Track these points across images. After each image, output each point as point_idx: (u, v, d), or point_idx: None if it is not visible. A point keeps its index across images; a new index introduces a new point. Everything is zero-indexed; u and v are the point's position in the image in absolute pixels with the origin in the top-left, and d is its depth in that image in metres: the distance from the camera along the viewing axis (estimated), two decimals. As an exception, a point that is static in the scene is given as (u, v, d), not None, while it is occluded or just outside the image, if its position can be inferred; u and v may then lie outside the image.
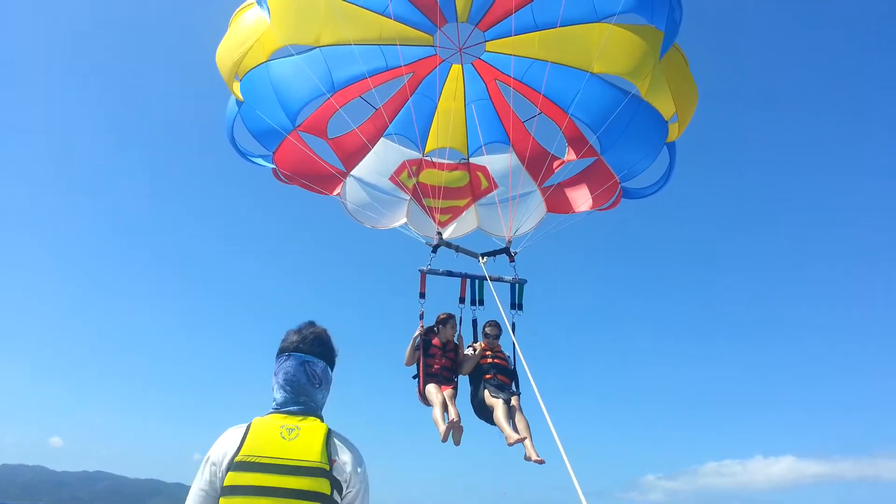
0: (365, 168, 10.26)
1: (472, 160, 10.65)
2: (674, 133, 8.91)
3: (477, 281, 9.89)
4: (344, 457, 3.13)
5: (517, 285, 9.91)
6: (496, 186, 10.55)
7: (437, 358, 9.29)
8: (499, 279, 9.75)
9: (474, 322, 9.93)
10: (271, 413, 3.29)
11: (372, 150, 10.24)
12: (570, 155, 10.00)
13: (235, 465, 2.98)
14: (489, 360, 9.33)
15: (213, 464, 3.06)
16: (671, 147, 9.08)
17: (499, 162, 10.48)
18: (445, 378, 9.19)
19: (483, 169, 10.59)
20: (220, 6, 8.93)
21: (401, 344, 9.43)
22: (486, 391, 8.94)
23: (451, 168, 10.60)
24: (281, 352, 3.46)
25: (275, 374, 3.42)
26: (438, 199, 10.14)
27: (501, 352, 9.54)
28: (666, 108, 8.71)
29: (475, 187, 10.66)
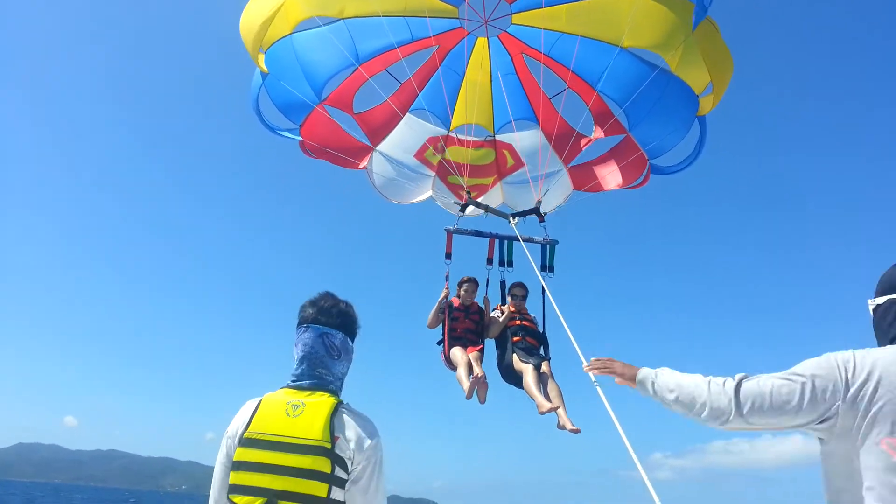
0: (390, 143, 10.19)
1: (498, 137, 10.48)
2: (707, 106, 8.59)
3: (506, 242, 9.62)
4: (349, 433, 3.04)
5: (548, 246, 9.56)
6: (522, 164, 10.38)
7: (460, 321, 9.04)
8: (529, 240, 9.38)
9: (502, 284, 9.62)
10: (283, 388, 3.26)
11: (397, 126, 10.15)
12: (597, 132, 9.75)
13: (243, 441, 3.03)
14: (517, 323, 8.99)
15: (229, 437, 3.14)
16: (702, 121, 8.77)
17: (525, 139, 10.29)
18: (471, 341, 8.94)
19: (509, 146, 10.42)
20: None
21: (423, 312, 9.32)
22: (515, 355, 8.53)
23: (477, 145, 10.45)
24: (300, 323, 3.41)
25: (295, 346, 3.38)
26: (464, 176, 10.02)
27: (528, 314, 9.20)
28: (698, 81, 8.41)
29: (501, 165, 10.50)
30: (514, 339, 8.83)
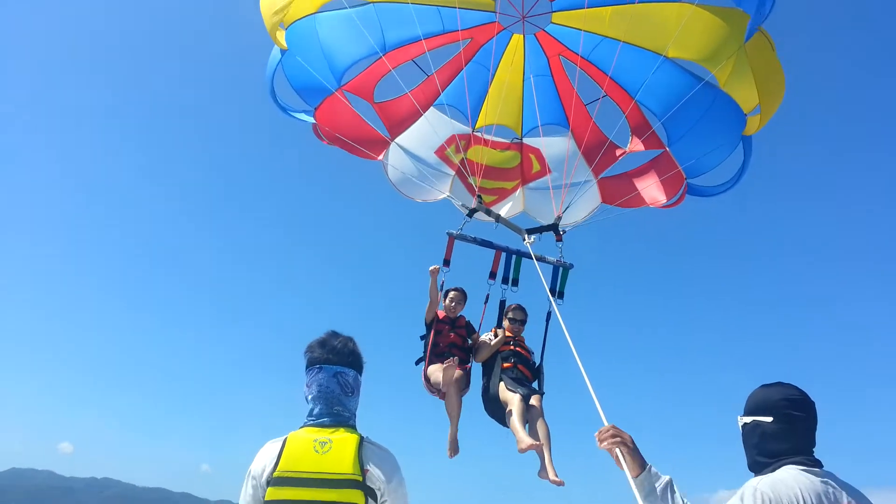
0: (410, 137, 9.62)
1: (525, 141, 9.88)
2: (752, 126, 7.92)
3: (514, 257, 8.63)
4: (377, 466, 3.22)
5: (561, 269, 8.61)
6: (549, 171, 9.76)
7: (444, 334, 8.15)
8: (541, 259, 8.43)
9: (502, 304, 8.57)
10: (304, 426, 3.40)
11: (419, 120, 9.57)
12: (633, 145, 9.12)
13: (274, 481, 3.13)
14: (509, 348, 8.03)
15: (254, 478, 3.23)
16: (747, 141, 8.09)
17: (554, 145, 9.66)
18: (459, 357, 8.04)
19: (536, 151, 9.81)
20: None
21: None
22: (502, 383, 7.57)
23: (503, 147, 9.87)
24: (311, 363, 3.55)
25: (307, 386, 3.52)
26: (477, 177, 9.45)
27: (525, 343, 8.29)
28: (747, 98, 7.75)
29: (526, 170, 9.91)
30: (505, 364, 7.86)
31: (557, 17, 8.60)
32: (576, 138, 9.56)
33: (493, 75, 9.49)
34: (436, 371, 7.71)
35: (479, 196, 8.94)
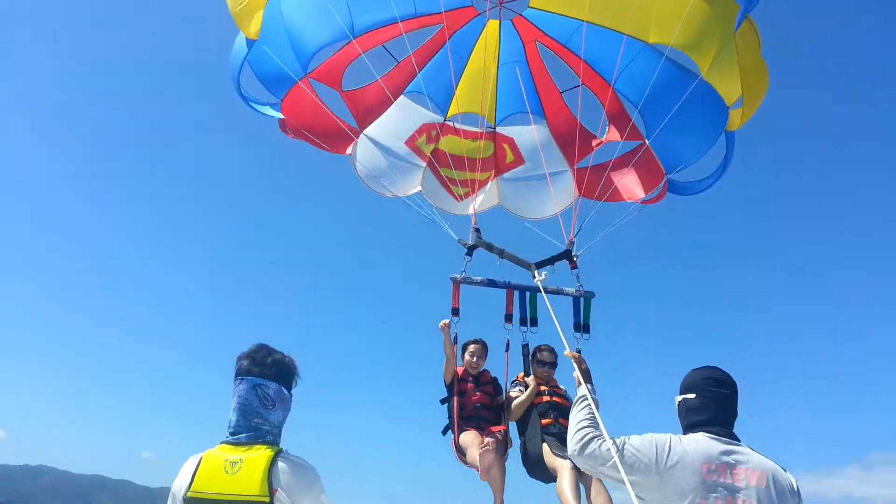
0: (379, 128, 9.17)
1: (498, 130, 9.53)
2: (735, 121, 7.77)
3: (528, 294, 7.88)
4: (287, 484, 3.21)
5: (582, 300, 7.78)
6: (523, 161, 9.47)
7: (469, 394, 7.28)
8: (558, 291, 7.73)
9: (524, 348, 7.77)
10: (221, 443, 3.41)
11: (389, 109, 9.14)
12: (610, 135, 8.90)
13: (187, 501, 3.20)
14: (545, 399, 7.12)
15: (174, 495, 3.29)
16: (730, 137, 7.93)
17: (529, 134, 9.34)
18: (486, 419, 7.22)
19: (510, 141, 9.49)
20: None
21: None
22: (546, 445, 6.69)
23: (475, 136, 9.48)
24: (235, 375, 3.56)
25: (232, 398, 3.52)
26: (458, 169, 9.09)
27: (559, 387, 7.39)
28: (729, 91, 7.56)
29: (499, 160, 9.57)
30: (544, 421, 6.96)
31: (536, 1, 8.24)
32: (551, 127, 9.30)
33: (467, 62, 9.10)
34: (470, 445, 6.77)
35: (477, 230, 8.10)
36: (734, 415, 3.76)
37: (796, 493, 3.50)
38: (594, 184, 8.95)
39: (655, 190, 8.61)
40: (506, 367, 7.69)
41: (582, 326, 7.73)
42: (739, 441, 3.64)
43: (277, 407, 3.52)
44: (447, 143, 9.40)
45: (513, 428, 7.33)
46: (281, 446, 3.42)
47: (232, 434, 3.42)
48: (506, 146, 9.51)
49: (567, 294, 7.82)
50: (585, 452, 3.68)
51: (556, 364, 7.48)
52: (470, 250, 7.95)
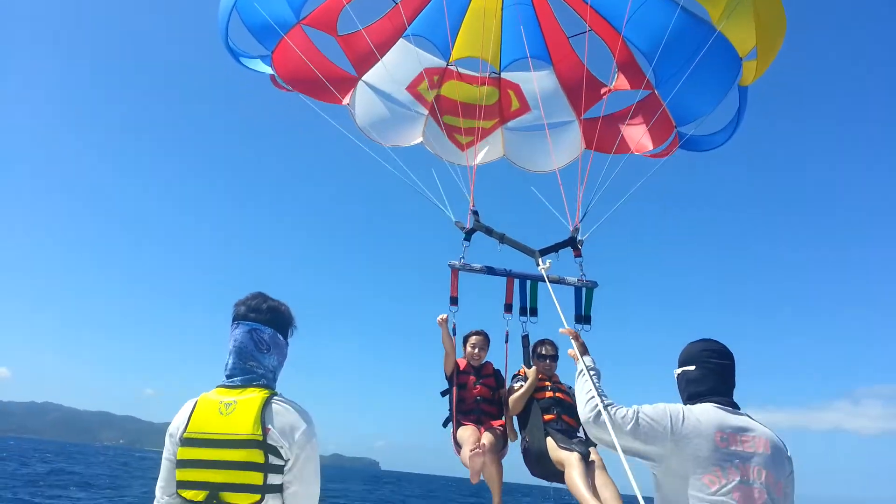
0: (379, 73, 8.80)
1: (504, 75, 9.07)
2: (749, 75, 7.22)
3: (528, 283, 7.51)
4: (280, 424, 3.28)
5: (584, 290, 7.45)
6: (529, 109, 9.05)
7: (469, 387, 7.13)
8: (559, 281, 7.36)
9: (524, 339, 7.46)
10: (217, 387, 3.48)
11: (388, 53, 8.74)
12: (619, 83, 8.39)
13: (183, 441, 3.32)
14: (547, 395, 6.90)
15: (171, 436, 3.42)
16: (743, 92, 7.38)
17: (534, 81, 8.86)
18: (487, 413, 7.07)
19: (515, 87, 9.05)
20: None
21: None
22: (550, 439, 6.48)
23: (479, 82, 9.05)
24: (232, 320, 3.63)
25: (228, 342, 3.60)
26: (461, 117, 8.76)
27: (562, 383, 7.13)
28: (743, 41, 7.00)
29: (504, 108, 9.17)
30: (547, 417, 6.73)
31: (539, -59, 7.63)
32: (558, 74, 8.82)
33: (470, 2, 8.57)
34: (465, 443, 6.61)
35: (476, 212, 7.75)
36: (733, 385, 3.83)
37: (790, 460, 3.66)
38: (602, 135, 8.54)
39: (665, 143, 8.18)
40: (505, 359, 7.46)
41: (583, 318, 7.42)
42: (741, 410, 3.74)
43: (272, 352, 3.59)
44: (450, 89, 9.02)
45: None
46: (276, 390, 3.50)
47: (228, 377, 3.51)
48: (511, 93, 9.09)
49: (569, 284, 7.44)
50: (599, 422, 3.64)
51: (558, 357, 7.22)
52: (468, 234, 7.60)
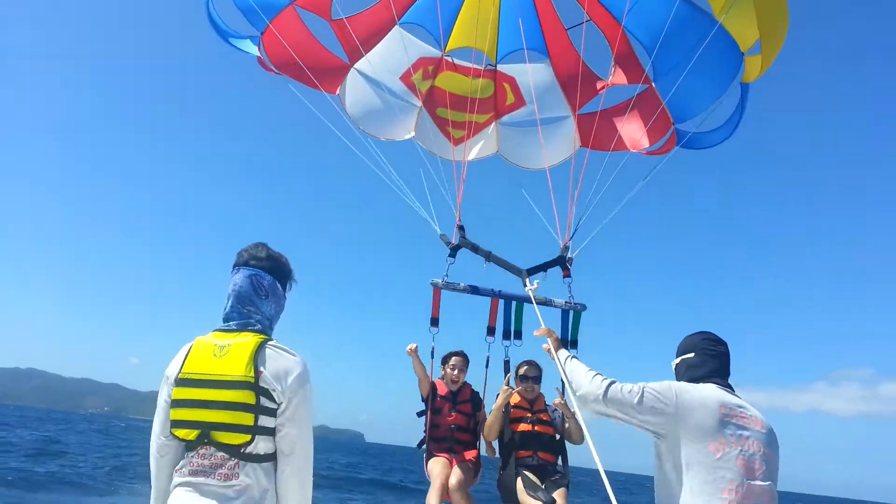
0: (372, 62, 8.58)
1: (499, 67, 8.85)
2: (752, 70, 6.99)
3: (514, 304, 7.17)
4: (272, 367, 3.29)
5: (572, 313, 7.14)
6: (523, 104, 8.83)
7: (444, 414, 6.89)
8: (547, 302, 7.03)
9: (506, 364, 7.12)
10: (213, 331, 3.51)
11: (383, 40, 8.53)
12: (616, 77, 8.20)
13: (178, 381, 3.36)
14: (524, 428, 6.64)
15: (167, 377, 3.44)
16: (745, 88, 7.16)
17: (531, 74, 8.62)
18: (460, 442, 6.83)
19: (511, 80, 8.83)
20: None
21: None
22: (520, 482, 6.29)
23: (475, 74, 8.84)
24: (233, 267, 3.66)
25: (228, 287, 3.62)
26: (455, 110, 8.53)
27: (545, 409, 6.83)
28: (745, 35, 6.79)
29: (499, 101, 8.95)
30: (521, 453, 6.50)
31: (538, -73, 7.44)
32: (555, 67, 8.60)
33: (467, -9, 8.38)
34: (434, 479, 6.47)
35: (462, 227, 7.37)
36: (729, 370, 4.08)
37: (778, 442, 3.87)
38: (597, 132, 8.31)
39: (661, 140, 7.95)
40: (484, 385, 7.14)
41: (569, 342, 7.08)
42: (736, 392, 3.98)
43: (270, 299, 3.61)
44: (445, 81, 8.81)
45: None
46: (272, 338, 3.51)
47: (224, 321, 3.53)
48: (506, 86, 8.87)
49: (556, 306, 7.12)
50: (608, 397, 3.79)
51: (540, 378, 6.90)
52: (453, 251, 7.25)
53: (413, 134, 8.70)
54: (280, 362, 3.34)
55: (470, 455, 6.82)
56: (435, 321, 7.04)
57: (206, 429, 3.25)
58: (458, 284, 7.09)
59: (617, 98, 8.15)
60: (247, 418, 3.23)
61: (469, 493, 6.59)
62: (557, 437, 6.74)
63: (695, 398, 3.73)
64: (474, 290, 7.15)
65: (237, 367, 3.26)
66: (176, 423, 3.34)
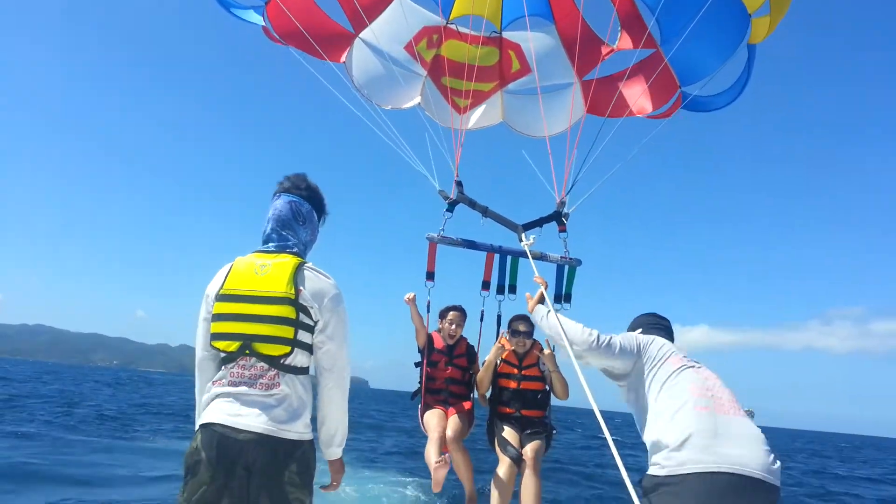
0: (376, 31, 8.52)
1: (504, 34, 8.81)
2: (760, 31, 6.97)
3: (509, 258, 7.24)
4: (310, 286, 3.53)
5: (567, 268, 7.23)
6: (529, 71, 8.78)
7: (440, 367, 6.95)
8: (542, 257, 7.08)
9: (499, 319, 7.28)
10: (253, 252, 3.72)
11: (387, 9, 8.48)
12: (622, 42, 8.16)
13: (219, 297, 3.54)
14: (511, 385, 6.81)
15: (207, 295, 3.63)
16: (751, 50, 7.13)
17: (536, 41, 8.60)
18: (455, 395, 6.93)
19: (516, 47, 8.78)
20: None
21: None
22: (497, 436, 6.60)
23: (480, 42, 8.81)
24: (273, 194, 3.89)
25: (268, 211, 3.85)
26: (460, 78, 8.50)
27: (537, 363, 6.88)
28: (752, -4, 6.77)
29: (504, 69, 8.91)
30: (504, 409, 6.75)
31: None
32: (560, 32, 8.55)
33: (470, -44, 8.31)
34: (430, 431, 6.52)
35: (460, 183, 7.37)
36: (673, 342, 4.62)
37: None
38: (603, 97, 8.30)
39: (667, 104, 7.94)
40: (478, 339, 7.24)
41: (563, 296, 7.22)
42: None
43: (307, 226, 3.87)
44: (449, 49, 8.76)
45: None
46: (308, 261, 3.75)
47: (263, 243, 3.77)
48: (511, 53, 8.82)
49: (552, 261, 7.22)
50: (601, 345, 4.40)
51: (532, 334, 6.90)
52: (451, 206, 7.26)
53: (419, 101, 8.68)
54: (317, 283, 3.57)
55: (465, 406, 6.94)
56: (430, 275, 7.04)
57: (247, 340, 3.43)
58: (455, 238, 7.11)
59: (623, 63, 8.13)
60: (287, 331, 3.44)
61: (463, 445, 6.73)
62: (547, 388, 6.90)
63: (656, 345, 4.40)
64: (470, 244, 7.17)
65: (278, 285, 3.47)
66: (217, 336, 3.51)
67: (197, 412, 3.60)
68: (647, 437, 3.98)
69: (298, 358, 3.49)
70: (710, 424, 3.66)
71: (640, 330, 4.74)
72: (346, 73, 8.52)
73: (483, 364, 6.97)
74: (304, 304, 3.48)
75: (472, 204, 7.35)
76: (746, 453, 3.52)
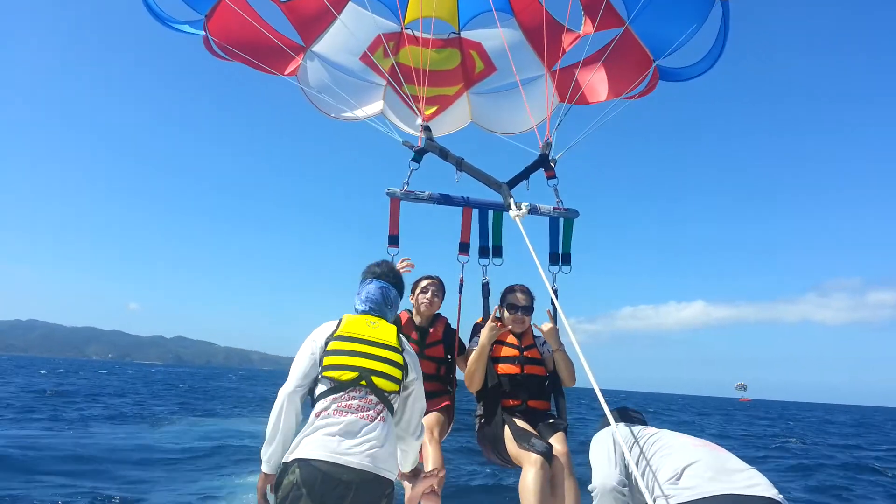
0: (328, 43, 8.05)
1: (463, 34, 8.34)
2: (730, -13, 6.51)
3: (491, 213, 6.03)
4: (407, 348, 4.15)
5: (562, 221, 6.08)
6: (494, 69, 8.29)
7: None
8: (532, 210, 5.88)
9: (485, 287, 5.91)
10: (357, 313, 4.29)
11: (338, 19, 8.01)
12: (587, 26, 7.71)
13: (336, 337, 3.96)
14: (513, 370, 5.48)
15: (314, 340, 3.98)
16: (725, 7, 6.64)
17: (497, 37, 8.12)
18: (428, 393, 4.98)
19: (478, 46, 8.31)
20: None
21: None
22: (510, 432, 5.13)
23: (438, 45, 8.34)
24: (365, 277, 4.42)
25: (358, 294, 4.35)
26: (422, 85, 7.97)
27: (534, 344, 5.66)
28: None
29: (468, 70, 8.41)
30: (509, 401, 5.37)
31: None
32: (521, 26, 8.10)
33: (419, -44, 7.91)
34: None
35: (427, 127, 6.23)
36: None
37: None
38: (575, 85, 7.80)
39: (644, 81, 7.41)
40: (458, 314, 5.80)
41: (561, 256, 6.04)
42: None
43: (393, 308, 4.38)
44: (407, 55, 8.28)
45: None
46: None
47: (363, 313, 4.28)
48: (473, 53, 8.34)
49: (544, 213, 6.10)
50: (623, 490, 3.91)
51: (533, 309, 5.67)
52: (418, 154, 6.03)
53: (380, 108, 8.13)
54: (409, 347, 4.18)
55: (442, 403, 5.71)
56: (393, 239, 5.86)
57: (364, 373, 3.82)
58: (422, 193, 5.92)
59: (592, 47, 7.64)
60: (397, 373, 3.94)
61: (439, 447, 5.36)
62: (550, 372, 5.64)
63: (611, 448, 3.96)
64: (442, 199, 5.95)
65: (390, 336, 4.04)
66: (332, 367, 3.83)
67: (279, 439, 3.70)
68: (661, 478, 3.65)
69: (397, 401, 3.99)
70: (714, 459, 3.63)
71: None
72: (297, 86, 7.98)
73: (473, 351, 5.51)
74: (406, 359, 4.04)
75: (444, 154, 5.99)
76: (755, 475, 3.53)
